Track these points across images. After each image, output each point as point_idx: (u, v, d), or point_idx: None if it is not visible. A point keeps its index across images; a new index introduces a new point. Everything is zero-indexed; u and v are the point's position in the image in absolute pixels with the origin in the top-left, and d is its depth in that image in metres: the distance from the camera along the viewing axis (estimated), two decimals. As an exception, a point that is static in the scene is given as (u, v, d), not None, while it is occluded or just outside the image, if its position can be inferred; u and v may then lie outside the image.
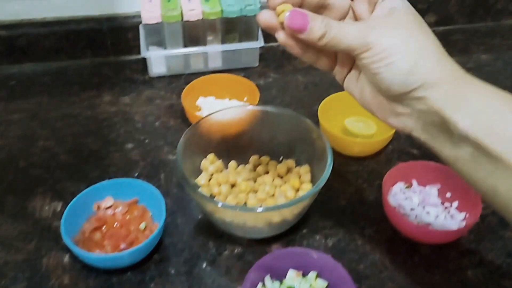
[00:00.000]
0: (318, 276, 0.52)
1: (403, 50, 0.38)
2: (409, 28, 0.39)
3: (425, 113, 0.39)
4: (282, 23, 0.41)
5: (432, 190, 0.63)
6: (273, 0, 0.41)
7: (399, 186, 0.63)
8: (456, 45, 0.96)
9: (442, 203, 0.62)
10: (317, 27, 0.39)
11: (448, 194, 0.62)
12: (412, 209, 0.61)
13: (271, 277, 0.52)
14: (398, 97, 0.40)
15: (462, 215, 0.60)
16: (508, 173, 0.36)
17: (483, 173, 0.38)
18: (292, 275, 0.52)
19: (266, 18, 0.42)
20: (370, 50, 0.38)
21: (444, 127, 0.38)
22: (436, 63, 0.38)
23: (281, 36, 0.42)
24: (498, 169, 0.37)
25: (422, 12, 0.97)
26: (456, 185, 0.61)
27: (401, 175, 0.63)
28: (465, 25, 1.02)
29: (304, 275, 0.53)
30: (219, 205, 0.52)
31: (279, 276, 0.53)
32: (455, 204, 0.61)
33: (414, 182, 0.64)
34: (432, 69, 0.38)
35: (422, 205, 0.62)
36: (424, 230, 0.57)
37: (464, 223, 0.59)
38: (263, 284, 0.51)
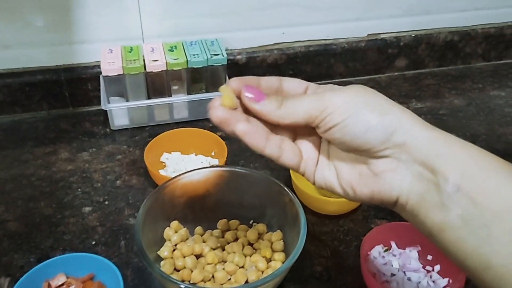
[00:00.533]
0: None
1: (364, 99, 0.37)
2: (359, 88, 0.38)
3: (411, 164, 0.36)
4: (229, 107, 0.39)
5: (412, 253, 0.59)
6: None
7: (378, 249, 0.59)
8: (428, 89, 0.95)
9: (424, 267, 0.58)
10: (273, 97, 0.38)
11: (429, 257, 0.58)
12: (392, 275, 0.57)
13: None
14: (379, 150, 0.36)
15: (445, 280, 0.56)
16: (504, 240, 0.32)
17: (474, 242, 0.33)
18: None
19: (220, 114, 0.39)
20: (329, 108, 0.36)
21: (432, 181, 0.35)
22: (403, 109, 0.36)
23: (240, 126, 0.39)
24: (492, 235, 0.33)
25: (393, 57, 0.97)
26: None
27: (379, 238, 0.59)
28: (435, 69, 1.01)
29: None
30: (181, 286, 0.46)
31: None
32: (437, 267, 0.57)
33: (393, 244, 0.60)
34: (402, 114, 0.36)
35: (402, 270, 0.58)
36: None
37: None
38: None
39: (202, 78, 0.81)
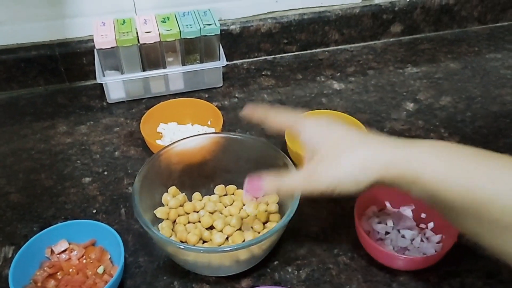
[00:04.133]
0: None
1: (340, 177, 0.45)
2: (333, 158, 0.46)
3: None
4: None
5: (406, 212, 0.60)
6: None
7: (372, 209, 0.60)
8: (424, 54, 0.95)
9: (417, 225, 0.59)
10: (269, 187, 0.49)
11: (423, 215, 0.59)
12: (387, 233, 0.58)
13: None
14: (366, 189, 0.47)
15: (438, 237, 0.57)
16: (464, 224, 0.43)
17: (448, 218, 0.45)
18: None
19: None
20: (319, 189, 0.46)
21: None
22: (368, 163, 0.45)
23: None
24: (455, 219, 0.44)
25: (388, 22, 0.96)
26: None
27: (374, 198, 0.60)
28: (431, 33, 1.01)
29: None
30: (180, 246, 0.48)
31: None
32: (431, 225, 0.59)
33: (388, 204, 0.61)
34: (367, 171, 0.45)
35: (396, 228, 0.59)
36: (399, 258, 0.54)
37: (440, 246, 0.56)
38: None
39: (196, 49, 0.81)
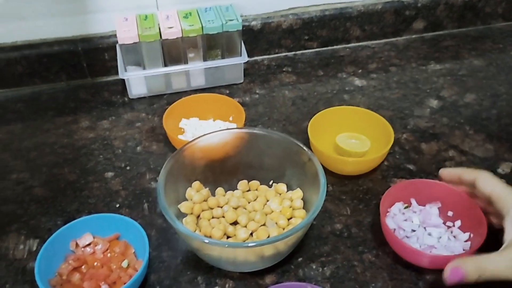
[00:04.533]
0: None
1: None
2: None
3: None
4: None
5: (433, 209, 0.59)
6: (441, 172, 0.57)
7: (398, 206, 0.59)
8: (447, 51, 0.93)
9: (444, 222, 0.58)
10: (470, 276, 0.46)
11: (450, 213, 0.58)
12: (413, 231, 0.58)
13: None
14: None
15: (466, 235, 0.56)
16: None
17: None
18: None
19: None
20: None
21: None
22: None
23: None
24: None
25: (411, 19, 0.95)
26: (458, 203, 0.57)
27: (399, 195, 0.59)
28: (454, 30, 0.99)
29: None
30: (205, 241, 0.48)
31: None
32: (458, 223, 0.57)
33: (413, 201, 0.60)
34: None
35: (423, 226, 0.58)
36: (425, 255, 0.53)
37: (469, 244, 0.55)
38: None
39: (218, 45, 0.81)
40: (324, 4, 0.91)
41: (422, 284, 0.54)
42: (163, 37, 0.76)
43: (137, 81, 0.81)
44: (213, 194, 0.61)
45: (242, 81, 0.85)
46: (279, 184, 0.61)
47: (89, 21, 0.82)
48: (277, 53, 0.93)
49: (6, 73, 0.82)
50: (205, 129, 0.72)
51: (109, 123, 0.78)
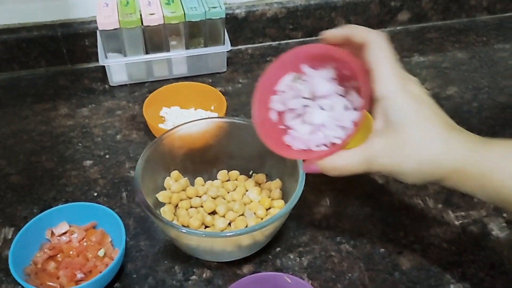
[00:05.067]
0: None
1: (405, 173, 0.42)
2: (405, 147, 0.41)
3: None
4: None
5: (324, 74, 0.48)
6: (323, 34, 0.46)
7: (287, 79, 0.49)
8: (431, 43, 0.94)
9: (342, 84, 0.48)
10: (328, 172, 0.46)
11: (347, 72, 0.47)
12: (305, 106, 0.49)
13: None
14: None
15: (362, 101, 0.45)
16: None
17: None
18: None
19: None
20: (378, 173, 0.45)
21: None
22: (438, 164, 0.41)
23: None
24: None
25: (396, 10, 0.95)
26: (350, 66, 0.45)
27: (288, 63, 0.49)
28: (439, 22, 0.99)
29: None
30: (183, 230, 0.47)
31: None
32: (352, 88, 0.47)
33: (305, 69, 0.49)
34: (435, 172, 0.42)
35: (314, 99, 0.48)
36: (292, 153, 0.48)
37: (359, 116, 0.45)
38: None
39: (201, 33, 0.80)
40: (309, -7, 0.90)
41: (398, 274, 0.54)
42: (145, 24, 0.75)
43: (118, 68, 0.80)
44: (192, 184, 0.61)
45: (225, 70, 0.85)
46: (258, 174, 0.60)
47: (69, 5, 0.81)
48: (261, 42, 0.92)
49: (-17, 58, 0.81)
50: (186, 118, 0.71)
51: (89, 111, 0.76)
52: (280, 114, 0.51)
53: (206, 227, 0.56)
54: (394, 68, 0.42)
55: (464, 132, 0.44)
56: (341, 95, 0.48)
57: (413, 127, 0.41)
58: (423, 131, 0.41)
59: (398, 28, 0.97)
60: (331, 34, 0.46)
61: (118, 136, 0.72)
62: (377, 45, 0.43)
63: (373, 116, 0.44)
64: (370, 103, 0.44)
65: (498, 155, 0.41)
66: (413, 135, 0.41)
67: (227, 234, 0.48)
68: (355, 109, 0.47)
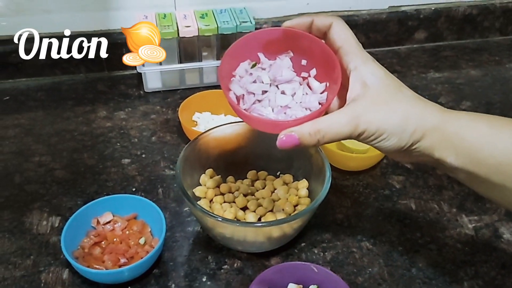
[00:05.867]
0: (318, 289, 0.53)
1: (390, 128, 0.42)
2: (388, 102, 0.43)
3: (422, 156, 0.45)
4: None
5: (284, 62, 0.50)
6: (285, 23, 0.47)
7: (244, 67, 0.49)
8: (446, 61, 0.99)
9: (298, 74, 0.50)
10: (307, 141, 0.43)
11: (303, 62, 0.49)
12: (264, 92, 0.49)
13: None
14: (398, 152, 0.45)
15: (322, 85, 0.48)
16: (501, 188, 0.42)
17: (482, 188, 0.44)
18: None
19: None
20: (363, 135, 0.43)
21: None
22: (419, 120, 0.43)
23: None
24: (492, 186, 0.43)
25: (413, 29, 1.00)
26: (310, 49, 0.48)
27: (243, 53, 0.49)
28: (453, 42, 1.05)
29: None
30: (219, 219, 0.52)
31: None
32: (313, 72, 0.49)
33: (261, 56, 0.50)
34: (417, 128, 0.43)
35: (275, 85, 0.49)
36: (278, 123, 0.45)
37: (325, 96, 0.47)
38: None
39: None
40: (332, 11, 0.96)
41: (415, 270, 0.59)
42: (181, 35, 0.81)
43: (153, 75, 0.85)
44: (225, 182, 0.65)
45: (251, 80, 0.90)
46: (286, 175, 0.65)
47: (110, 17, 0.87)
48: (285, 55, 0.97)
49: (28, 63, 0.87)
50: (216, 123, 0.76)
51: (126, 114, 0.82)
52: (238, 98, 0.49)
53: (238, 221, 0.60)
54: (358, 43, 0.45)
55: (429, 101, 0.45)
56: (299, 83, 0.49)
57: (392, 86, 0.43)
58: (403, 91, 0.44)
59: (415, 46, 1.03)
60: (294, 22, 0.47)
61: (153, 138, 0.77)
62: (340, 26, 0.45)
63: (349, 85, 0.44)
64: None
65: (467, 117, 0.43)
66: (395, 93, 0.43)
67: (259, 225, 0.53)
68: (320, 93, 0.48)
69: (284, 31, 0.47)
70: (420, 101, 0.44)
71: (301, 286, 0.53)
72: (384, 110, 0.42)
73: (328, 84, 0.48)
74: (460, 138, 0.42)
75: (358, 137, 0.43)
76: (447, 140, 0.42)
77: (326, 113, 0.45)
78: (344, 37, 0.44)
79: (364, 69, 0.43)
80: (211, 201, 0.62)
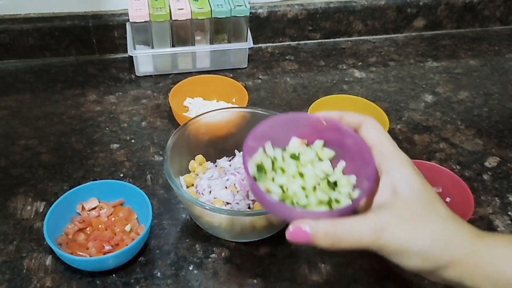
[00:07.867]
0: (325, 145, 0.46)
1: (413, 249, 0.38)
2: (417, 219, 0.38)
3: (451, 282, 0.39)
4: None
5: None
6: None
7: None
8: (444, 50, 0.97)
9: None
10: (320, 241, 0.38)
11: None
12: None
13: (272, 145, 0.45)
14: (420, 273, 0.40)
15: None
16: None
17: None
18: (295, 143, 0.45)
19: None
20: (382, 249, 0.38)
21: None
22: (447, 246, 0.38)
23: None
24: None
25: (412, 16, 0.98)
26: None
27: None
28: (453, 30, 1.03)
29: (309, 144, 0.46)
30: (207, 207, 0.51)
31: (281, 145, 0.46)
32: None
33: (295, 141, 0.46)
34: (443, 255, 0.38)
35: None
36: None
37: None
38: (264, 151, 0.45)
39: (225, 29, 0.84)
40: (329, -3, 0.94)
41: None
42: (173, 18, 0.79)
43: (145, 59, 0.83)
44: (214, 169, 0.64)
45: (246, 66, 0.88)
46: (277, 162, 0.64)
47: (102, -2, 0.85)
48: (281, 41, 0.96)
49: (17, 44, 0.85)
50: (208, 109, 0.75)
51: (116, 98, 0.80)
52: None
53: (226, 209, 0.59)
54: (394, 144, 0.42)
55: (464, 221, 0.41)
56: None
57: (425, 200, 0.39)
58: (436, 207, 0.40)
59: (413, 34, 1.01)
60: (323, 116, 0.45)
61: (143, 123, 0.76)
62: (372, 124, 0.43)
63: (379, 188, 0.41)
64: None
65: (504, 245, 0.39)
66: (427, 209, 0.39)
67: (247, 213, 0.52)
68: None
69: (323, 119, 0.45)
70: (453, 223, 0.39)
71: (306, 140, 0.46)
72: (411, 228, 0.38)
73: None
74: (500, 271, 0.37)
75: (375, 250, 0.38)
76: (481, 270, 0.38)
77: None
78: (376, 138, 0.42)
79: (397, 175, 0.40)
80: (199, 188, 0.61)
